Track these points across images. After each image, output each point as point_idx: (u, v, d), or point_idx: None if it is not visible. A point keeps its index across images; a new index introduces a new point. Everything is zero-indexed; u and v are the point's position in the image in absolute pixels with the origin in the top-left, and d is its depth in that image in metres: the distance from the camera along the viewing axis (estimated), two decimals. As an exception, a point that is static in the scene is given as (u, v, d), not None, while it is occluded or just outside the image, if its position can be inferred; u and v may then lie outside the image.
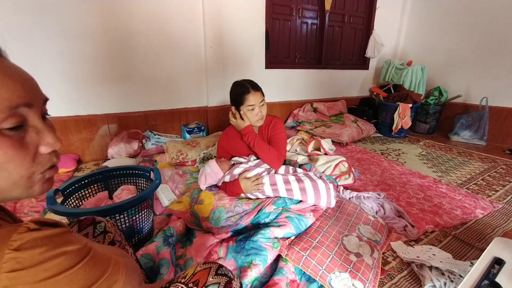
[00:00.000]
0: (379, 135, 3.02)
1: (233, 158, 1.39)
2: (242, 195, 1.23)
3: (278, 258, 0.99)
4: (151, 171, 1.19)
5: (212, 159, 1.35)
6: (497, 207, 1.45)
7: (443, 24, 3.02)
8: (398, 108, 2.72)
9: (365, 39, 3.34)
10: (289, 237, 1.03)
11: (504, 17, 2.53)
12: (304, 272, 0.92)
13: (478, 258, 0.68)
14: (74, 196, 1.09)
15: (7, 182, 0.33)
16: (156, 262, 0.92)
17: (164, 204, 1.37)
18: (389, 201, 1.41)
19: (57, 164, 0.39)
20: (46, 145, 0.36)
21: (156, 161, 1.91)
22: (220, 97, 2.46)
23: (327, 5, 2.83)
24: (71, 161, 1.86)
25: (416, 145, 2.64)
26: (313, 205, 1.17)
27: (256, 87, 1.25)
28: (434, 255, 1.02)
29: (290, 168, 1.34)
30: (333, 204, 1.18)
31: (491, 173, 1.93)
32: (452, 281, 0.88)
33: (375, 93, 3.30)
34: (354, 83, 3.47)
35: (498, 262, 0.64)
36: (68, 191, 1.05)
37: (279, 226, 1.05)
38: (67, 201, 1.04)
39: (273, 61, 2.77)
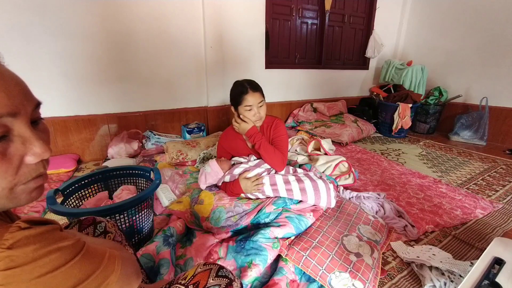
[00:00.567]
0: (379, 135, 3.02)
1: (233, 158, 1.39)
2: (242, 195, 1.23)
3: (278, 258, 0.99)
4: (151, 171, 1.19)
5: (212, 159, 1.35)
6: (497, 207, 1.45)
7: (443, 24, 3.02)
8: (398, 108, 2.72)
9: (365, 39, 3.34)
10: (289, 237, 1.03)
11: (504, 17, 2.53)
12: (304, 272, 0.92)
13: (478, 258, 0.68)
14: (74, 196, 1.08)
15: None
16: (156, 262, 0.92)
17: (164, 204, 1.37)
18: (389, 201, 1.41)
19: (44, 173, 0.37)
20: (33, 155, 0.33)
21: (156, 161, 1.91)
22: (220, 97, 2.45)
23: (327, 5, 2.83)
24: (71, 161, 1.86)
25: (416, 145, 2.64)
26: (313, 205, 1.17)
27: (255, 88, 1.23)
28: (434, 255, 1.02)
29: (290, 168, 1.34)
30: (333, 204, 1.18)
31: (491, 173, 1.93)
32: (452, 281, 0.88)
33: (375, 93, 3.30)
34: (354, 83, 3.47)
35: (498, 262, 0.64)
36: (68, 191, 1.05)
37: (279, 226, 1.05)
38: (67, 201, 1.04)
39: (273, 61, 2.77)
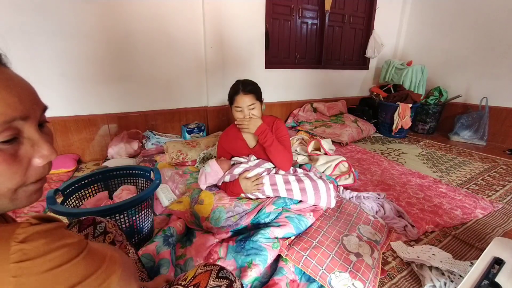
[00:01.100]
0: (379, 135, 3.02)
1: (233, 158, 1.39)
2: (242, 195, 1.23)
3: (278, 258, 0.99)
4: (151, 171, 1.19)
5: (212, 159, 1.35)
6: (497, 207, 1.45)
7: (443, 24, 3.02)
8: (398, 108, 2.72)
9: (365, 39, 3.34)
10: (289, 237, 1.03)
11: (504, 17, 2.53)
12: (304, 272, 0.92)
13: (478, 258, 0.68)
14: (74, 196, 1.09)
15: None
16: (156, 262, 0.92)
17: (164, 204, 1.37)
18: (389, 201, 1.41)
19: (45, 176, 0.38)
20: (40, 157, 0.35)
21: (156, 161, 1.91)
22: (220, 97, 2.45)
23: (327, 5, 2.84)
24: (71, 161, 1.86)
25: (416, 145, 2.64)
26: (313, 205, 1.17)
27: (248, 90, 1.20)
28: (434, 255, 1.02)
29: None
30: (333, 204, 1.18)
31: (491, 173, 1.93)
32: (452, 281, 0.88)
33: (375, 93, 3.30)
34: (354, 83, 3.47)
35: (498, 262, 0.64)
36: (68, 191, 1.05)
37: (279, 226, 1.05)
38: (67, 201, 1.04)
39: (273, 61, 2.77)
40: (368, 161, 2.13)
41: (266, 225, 1.08)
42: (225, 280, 0.53)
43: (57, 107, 1.88)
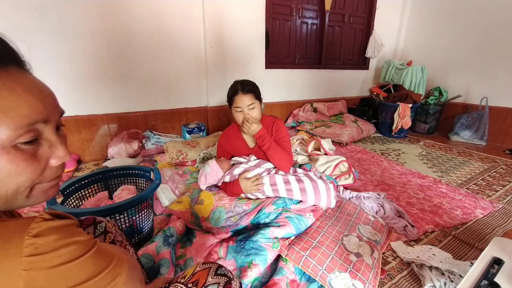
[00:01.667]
0: (379, 135, 3.02)
1: (233, 158, 1.39)
2: (242, 195, 1.23)
3: (278, 258, 0.99)
4: (151, 171, 1.19)
5: (212, 159, 1.35)
6: (497, 207, 1.45)
7: (443, 24, 3.02)
8: (398, 108, 2.72)
9: (365, 39, 3.34)
10: (289, 237, 1.03)
11: (504, 17, 2.53)
12: (304, 272, 0.92)
13: (478, 258, 0.68)
14: (74, 196, 1.09)
15: (13, 193, 0.34)
16: (156, 262, 0.92)
17: (164, 204, 1.38)
18: (389, 201, 1.41)
19: (61, 175, 0.40)
20: (56, 158, 0.37)
21: (156, 161, 1.91)
22: (220, 97, 2.45)
23: (327, 5, 2.84)
24: (71, 161, 1.87)
25: (416, 145, 2.64)
26: (313, 205, 1.18)
27: (247, 90, 1.20)
28: (434, 255, 1.02)
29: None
30: (333, 204, 1.18)
31: (491, 173, 1.93)
32: (452, 281, 0.88)
33: (375, 93, 3.30)
34: (354, 83, 3.47)
35: (497, 262, 0.64)
36: (68, 191, 1.05)
37: (279, 226, 1.05)
38: (67, 201, 1.04)
39: (273, 61, 2.77)
40: (368, 161, 2.13)
41: (266, 225, 1.08)
42: (223, 278, 0.53)
43: (57, 107, 1.87)
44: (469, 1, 2.76)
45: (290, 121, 2.97)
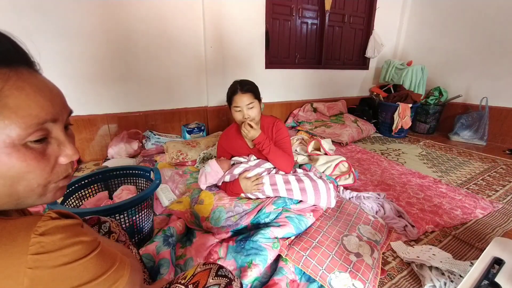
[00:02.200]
0: (379, 135, 3.02)
1: (233, 158, 1.39)
2: (242, 195, 1.23)
3: (278, 258, 0.99)
4: (151, 171, 1.19)
5: (212, 159, 1.35)
6: (497, 207, 1.45)
7: (443, 24, 3.02)
8: (398, 108, 2.72)
9: (365, 39, 3.34)
10: (289, 237, 1.03)
11: (504, 17, 2.53)
12: (304, 272, 0.92)
13: (478, 258, 0.68)
14: (74, 196, 1.09)
15: (25, 190, 0.34)
16: (156, 262, 0.92)
17: (164, 204, 1.37)
18: (389, 201, 1.41)
19: (70, 174, 0.41)
20: (65, 156, 0.38)
21: (156, 161, 1.91)
22: (220, 97, 2.45)
23: (327, 5, 2.83)
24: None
25: (416, 145, 2.64)
26: (313, 205, 1.17)
27: (245, 89, 1.20)
28: (434, 255, 1.02)
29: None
30: (333, 204, 1.18)
31: (491, 173, 1.93)
32: (452, 281, 0.88)
33: (375, 93, 3.30)
34: (354, 83, 3.47)
35: (497, 262, 0.64)
36: (68, 191, 1.05)
37: (279, 226, 1.05)
38: (67, 201, 1.04)
39: (273, 61, 2.77)
40: (368, 161, 2.13)
41: (266, 225, 1.08)
42: (224, 279, 0.53)
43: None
44: (469, 1, 2.76)
45: (290, 121, 2.97)
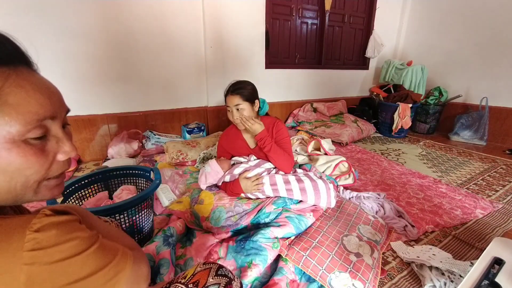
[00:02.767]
0: (379, 135, 3.02)
1: (233, 158, 1.39)
2: (242, 195, 1.23)
3: (278, 258, 0.99)
4: (151, 171, 1.19)
5: (212, 159, 1.35)
6: (497, 207, 1.45)
7: (443, 24, 3.02)
8: (398, 108, 2.72)
9: (365, 39, 3.34)
10: (289, 237, 1.03)
11: (504, 17, 2.53)
12: (304, 272, 0.92)
13: (478, 258, 0.68)
14: (74, 196, 1.08)
15: (22, 187, 0.35)
16: (156, 262, 0.92)
17: (164, 204, 1.37)
18: (389, 201, 1.41)
19: (66, 170, 0.41)
20: (63, 153, 0.38)
21: (156, 161, 1.91)
22: (220, 97, 2.45)
23: (327, 5, 2.83)
24: (72, 161, 1.86)
25: (416, 145, 2.64)
26: (313, 205, 1.17)
27: (234, 91, 1.21)
28: (434, 255, 1.02)
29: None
30: (333, 204, 1.18)
31: (491, 173, 1.93)
32: (452, 281, 0.88)
33: (375, 93, 3.30)
34: (354, 83, 3.47)
35: (498, 262, 0.64)
36: (68, 191, 1.05)
37: (279, 226, 1.05)
38: (67, 201, 1.04)
39: (273, 61, 2.77)
40: (368, 161, 2.13)
41: (266, 225, 1.08)
42: (224, 278, 0.53)
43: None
44: (469, 1, 2.76)
45: (290, 121, 2.97)
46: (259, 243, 0.97)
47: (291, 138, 2.05)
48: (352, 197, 1.45)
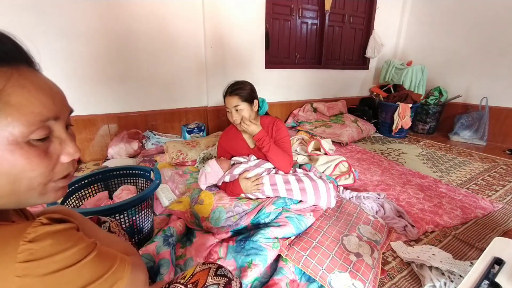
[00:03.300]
0: (379, 135, 3.02)
1: (233, 158, 1.39)
2: (242, 195, 1.23)
3: (278, 258, 0.99)
4: (151, 171, 1.19)
5: (212, 159, 1.35)
6: (497, 207, 1.45)
7: (443, 24, 3.02)
8: (398, 108, 2.72)
9: (365, 39, 3.34)
10: (289, 237, 1.03)
11: (504, 17, 2.53)
12: (304, 272, 0.92)
13: (478, 258, 0.68)
14: (74, 196, 1.09)
15: (26, 189, 0.34)
16: (156, 262, 0.92)
17: (164, 204, 1.37)
18: (389, 201, 1.41)
19: (72, 173, 0.40)
20: (67, 154, 0.38)
21: (156, 161, 1.91)
22: (220, 97, 2.40)
23: (327, 5, 2.83)
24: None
25: (416, 145, 2.63)
26: (313, 205, 1.17)
27: (233, 91, 1.21)
28: (434, 255, 1.02)
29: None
30: (333, 204, 1.18)
31: (491, 173, 1.93)
32: (452, 281, 0.88)
33: (375, 93, 3.30)
34: (354, 83, 3.47)
35: (498, 262, 0.64)
36: (68, 191, 1.05)
37: (279, 226, 1.05)
38: (67, 201, 1.04)
39: (273, 61, 2.77)
40: (368, 161, 2.13)
41: (266, 225, 1.08)
42: (223, 278, 0.53)
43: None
44: (469, 1, 2.76)
45: (290, 121, 2.97)
46: (259, 243, 0.97)
47: (291, 138, 2.05)
48: (352, 197, 1.45)
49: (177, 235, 1.10)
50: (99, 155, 2.09)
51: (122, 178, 1.25)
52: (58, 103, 0.37)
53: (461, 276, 0.88)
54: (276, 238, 1.01)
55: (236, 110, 1.22)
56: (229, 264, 0.96)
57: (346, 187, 1.60)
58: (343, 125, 2.79)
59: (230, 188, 1.23)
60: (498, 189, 1.69)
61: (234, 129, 1.38)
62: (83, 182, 1.13)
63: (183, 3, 2.11)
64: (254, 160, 1.33)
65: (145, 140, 2.17)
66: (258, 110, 1.33)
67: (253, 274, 0.89)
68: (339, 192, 1.50)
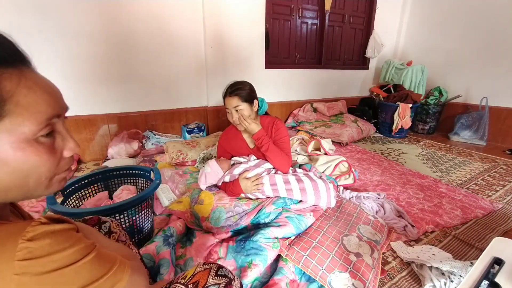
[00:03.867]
0: (379, 135, 3.02)
1: (233, 158, 1.39)
2: (242, 195, 1.23)
3: (278, 258, 0.99)
4: (151, 171, 1.19)
5: (212, 159, 1.35)
6: (497, 207, 1.45)
7: (443, 24, 3.02)
8: (398, 108, 2.72)
9: (365, 39, 3.34)
10: (289, 237, 1.03)
11: (505, 17, 2.53)
12: (304, 272, 0.92)
13: (478, 258, 0.68)
14: (74, 196, 1.09)
15: (35, 183, 0.36)
16: (156, 262, 0.92)
17: (164, 204, 1.37)
18: (389, 201, 1.41)
19: (71, 167, 0.43)
20: (69, 149, 0.40)
21: (156, 161, 1.91)
22: (220, 97, 2.42)
23: (327, 5, 2.83)
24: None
25: (416, 145, 2.63)
26: (313, 205, 1.17)
27: (233, 92, 1.22)
28: (434, 255, 1.02)
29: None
30: (333, 204, 1.18)
31: (491, 173, 1.93)
32: (452, 281, 0.88)
33: (375, 93, 3.30)
34: (354, 83, 3.47)
35: (497, 262, 0.64)
36: (68, 191, 1.05)
37: (279, 226, 1.05)
38: (67, 201, 1.04)
39: (273, 61, 2.77)
40: (368, 161, 2.13)
41: (266, 225, 1.08)
42: (224, 278, 0.53)
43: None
44: (469, 1, 2.76)
45: (290, 121, 2.97)
46: (259, 243, 0.97)
47: (291, 138, 2.05)
48: (352, 197, 1.45)
49: (177, 235, 1.10)
50: (99, 155, 2.09)
51: (122, 178, 1.25)
52: (59, 101, 0.39)
53: (461, 276, 0.88)
54: (276, 238, 1.01)
55: (236, 110, 1.22)
56: (229, 264, 0.96)
57: (346, 187, 1.60)
58: (343, 125, 2.79)
59: (230, 188, 1.23)
60: (498, 189, 1.69)
61: (234, 129, 1.38)
62: (83, 182, 1.13)
63: (183, 3, 2.11)
64: (254, 160, 1.33)
65: (145, 140, 2.17)
66: (257, 110, 1.33)
67: (253, 274, 0.89)
68: (339, 192, 1.50)
